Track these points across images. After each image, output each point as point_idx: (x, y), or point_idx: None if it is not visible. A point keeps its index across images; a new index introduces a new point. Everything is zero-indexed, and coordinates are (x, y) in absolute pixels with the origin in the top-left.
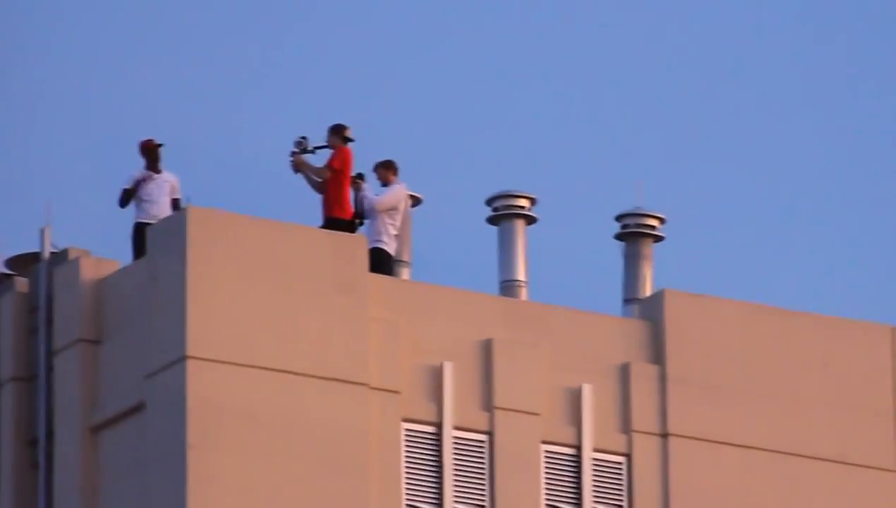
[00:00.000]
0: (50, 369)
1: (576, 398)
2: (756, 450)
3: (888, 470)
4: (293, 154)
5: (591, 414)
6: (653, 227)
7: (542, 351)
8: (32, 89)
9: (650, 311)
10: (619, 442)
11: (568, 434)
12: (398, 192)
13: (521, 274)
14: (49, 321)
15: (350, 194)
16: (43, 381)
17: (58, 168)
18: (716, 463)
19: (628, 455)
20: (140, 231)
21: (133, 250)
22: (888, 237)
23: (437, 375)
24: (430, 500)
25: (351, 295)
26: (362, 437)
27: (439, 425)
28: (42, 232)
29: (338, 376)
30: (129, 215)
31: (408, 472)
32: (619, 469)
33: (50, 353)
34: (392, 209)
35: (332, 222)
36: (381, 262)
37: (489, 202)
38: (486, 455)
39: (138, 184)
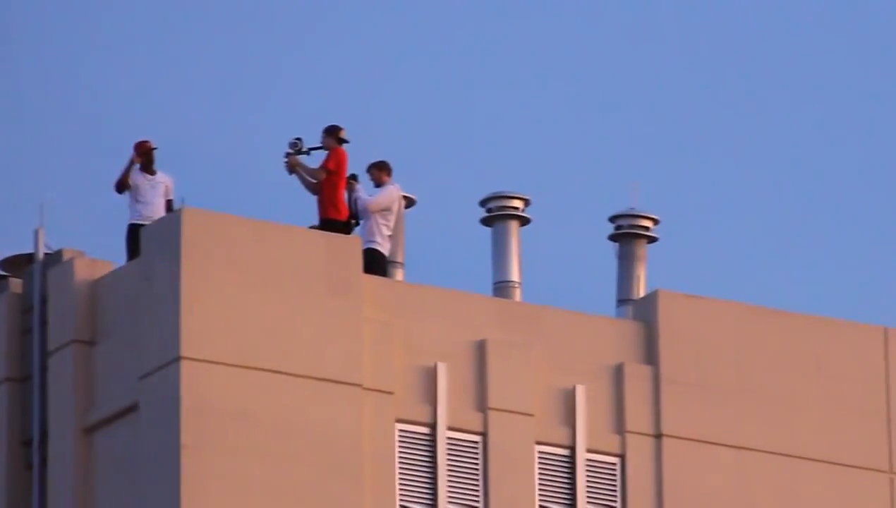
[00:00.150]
0: (44, 369)
1: (569, 398)
2: (749, 451)
3: (881, 471)
4: (288, 155)
5: (585, 415)
6: (646, 228)
7: (535, 352)
8: (27, 90)
9: (644, 312)
10: (612, 443)
11: (562, 435)
12: (391, 193)
13: (514, 275)
14: (43, 322)
15: (345, 195)
16: (37, 382)
17: (52, 169)
18: (709, 464)
19: (622, 456)
20: (134, 232)
21: (127, 251)
22: (881, 238)
23: (430, 376)
24: (423, 501)
25: (345, 296)
26: (356, 438)
27: (433, 426)
28: (36, 233)
29: (332, 377)
30: (124, 216)
31: (402, 473)
32: (613, 469)
33: (44, 354)
34: (385, 210)
35: (328, 223)
36: (375, 263)
37: (483, 203)
38: (479, 456)
39: (129, 168)
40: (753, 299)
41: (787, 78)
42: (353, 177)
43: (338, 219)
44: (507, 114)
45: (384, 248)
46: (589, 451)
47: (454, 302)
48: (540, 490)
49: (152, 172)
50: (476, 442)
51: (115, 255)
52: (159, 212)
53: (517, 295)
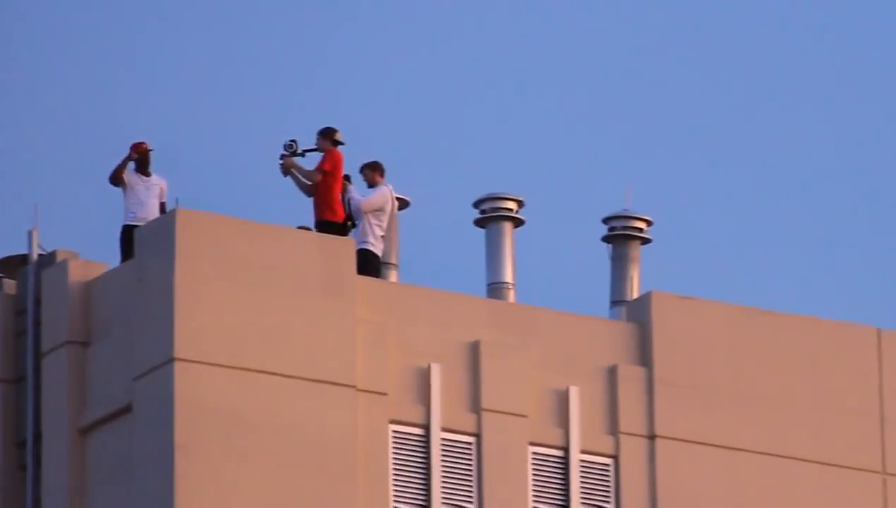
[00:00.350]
0: (38, 371)
1: (563, 400)
2: (743, 452)
3: (874, 472)
4: (283, 157)
5: (579, 416)
6: (640, 230)
7: (529, 353)
8: (21, 91)
9: (637, 313)
10: (606, 444)
11: (555, 436)
12: (384, 193)
13: (508, 277)
14: (37, 323)
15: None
16: (31, 383)
17: (46, 170)
18: (703, 465)
19: (615, 457)
20: (128, 233)
21: (121, 252)
22: (874, 239)
23: (424, 377)
24: (417, 502)
25: (338, 297)
26: (350, 439)
27: (427, 427)
28: (30, 234)
29: (325, 378)
30: (118, 217)
31: (395, 474)
32: (607, 470)
33: (38, 355)
34: (378, 210)
35: (324, 225)
36: (368, 263)
37: (476, 204)
38: (473, 457)
39: (124, 164)
40: (747, 300)
41: (781, 79)
42: (346, 178)
43: (334, 220)
44: (500, 115)
45: (377, 249)
46: (583, 452)
47: (448, 303)
48: (533, 491)
49: (147, 174)
50: (470, 443)
51: (108, 256)
52: (153, 213)
53: (511, 296)
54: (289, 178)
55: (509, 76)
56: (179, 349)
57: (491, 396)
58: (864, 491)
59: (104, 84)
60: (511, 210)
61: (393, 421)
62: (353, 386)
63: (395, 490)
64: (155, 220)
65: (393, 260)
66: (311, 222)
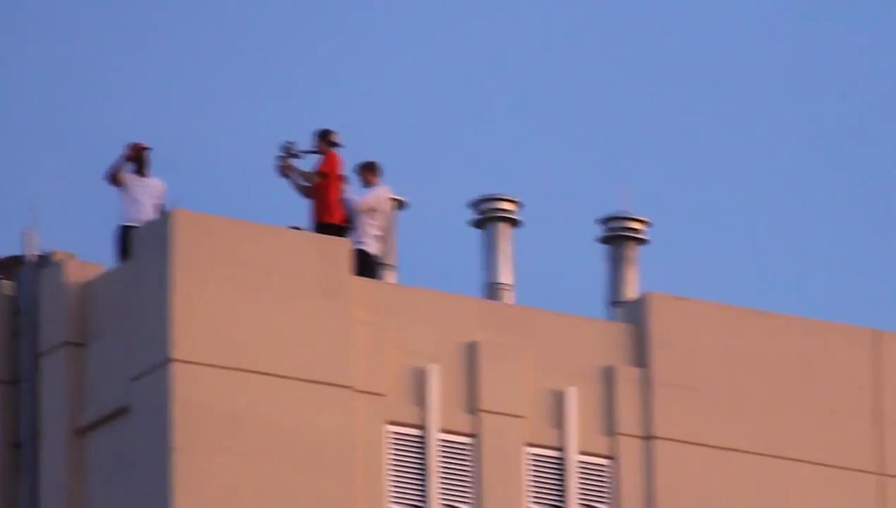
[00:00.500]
0: (35, 372)
1: (560, 401)
2: (740, 453)
3: (869, 473)
4: (280, 158)
5: (576, 417)
6: (637, 231)
7: (526, 354)
8: (17, 92)
9: (634, 314)
10: (603, 445)
11: (553, 437)
12: (379, 193)
13: (505, 278)
14: (34, 324)
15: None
16: (28, 384)
17: (43, 171)
18: (700, 466)
19: (613, 458)
20: (125, 234)
21: (118, 253)
22: (870, 241)
23: (421, 378)
24: (414, 503)
25: (335, 298)
26: (347, 440)
27: (424, 428)
28: (27, 235)
29: (322, 379)
30: (115, 218)
31: (392, 475)
32: (604, 471)
33: (35, 356)
34: (373, 210)
35: (322, 227)
36: (364, 263)
37: (474, 205)
38: (470, 458)
39: (121, 163)
40: (744, 301)
41: (778, 80)
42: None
43: (332, 222)
44: (497, 116)
45: (372, 248)
46: (580, 453)
47: (445, 304)
48: (531, 492)
49: (144, 174)
50: (467, 444)
51: (106, 257)
52: (150, 214)
53: (508, 297)
54: (287, 179)
55: (507, 77)
56: (177, 350)
57: (488, 397)
58: (861, 492)
59: (102, 84)
60: (508, 211)
61: (390, 422)
62: (350, 387)
63: (392, 491)
64: (151, 221)
65: (390, 261)
66: (306, 223)
